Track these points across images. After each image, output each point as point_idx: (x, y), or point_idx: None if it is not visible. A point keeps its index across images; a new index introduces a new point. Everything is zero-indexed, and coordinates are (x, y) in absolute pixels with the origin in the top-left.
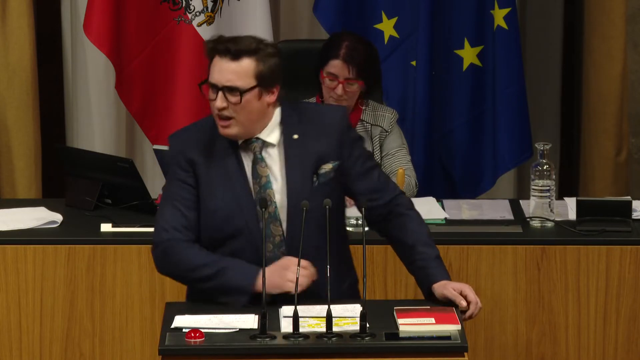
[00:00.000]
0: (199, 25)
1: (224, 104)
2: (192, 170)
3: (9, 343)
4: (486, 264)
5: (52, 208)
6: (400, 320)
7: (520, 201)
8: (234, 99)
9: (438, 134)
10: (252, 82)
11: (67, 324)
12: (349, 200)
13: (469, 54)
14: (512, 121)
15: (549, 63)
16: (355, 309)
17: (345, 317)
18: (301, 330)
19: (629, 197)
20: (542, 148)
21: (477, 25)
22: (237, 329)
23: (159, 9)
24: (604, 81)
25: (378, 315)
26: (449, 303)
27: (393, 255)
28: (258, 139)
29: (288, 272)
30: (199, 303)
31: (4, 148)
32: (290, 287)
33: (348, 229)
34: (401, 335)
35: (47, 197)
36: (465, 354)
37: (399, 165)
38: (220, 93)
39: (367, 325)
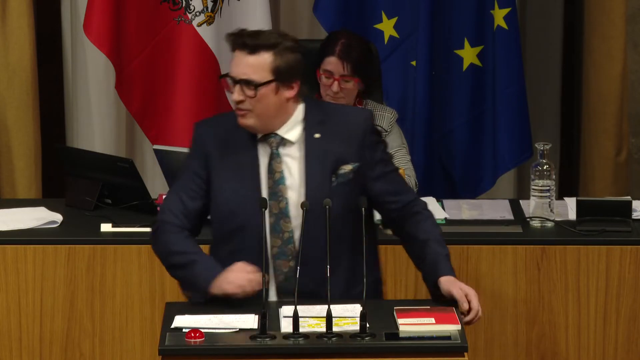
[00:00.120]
0: (199, 25)
1: (241, 97)
2: (205, 163)
3: (9, 343)
4: (486, 264)
5: (52, 208)
6: (400, 320)
7: (520, 201)
8: (249, 92)
9: (438, 134)
10: (269, 76)
11: (67, 324)
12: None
13: (469, 54)
14: (512, 121)
15: (549, 63)
16: (355, 309)
17: (345, 317)
18: (301, 330)
19: (629, 197)
20: (542, 148)
21: (477, 25)
22: (237, 329)
23: (159, 9)
24: (604, 81)
25: (378, 315)
26: (449, 301)
27: (393, 256)
28: (276, 134)
29: (231, 274)
30: (199, 303)
31: (4, 148)
32: (227, 288)
33: None
34: (401, 335)
35: (47, 197)
36: (465, 354)
37: (399, 165)
38: (237, 86)
39: (367, 325)
